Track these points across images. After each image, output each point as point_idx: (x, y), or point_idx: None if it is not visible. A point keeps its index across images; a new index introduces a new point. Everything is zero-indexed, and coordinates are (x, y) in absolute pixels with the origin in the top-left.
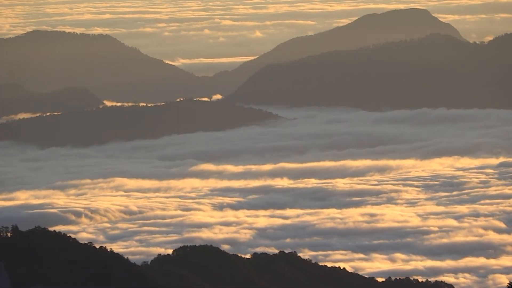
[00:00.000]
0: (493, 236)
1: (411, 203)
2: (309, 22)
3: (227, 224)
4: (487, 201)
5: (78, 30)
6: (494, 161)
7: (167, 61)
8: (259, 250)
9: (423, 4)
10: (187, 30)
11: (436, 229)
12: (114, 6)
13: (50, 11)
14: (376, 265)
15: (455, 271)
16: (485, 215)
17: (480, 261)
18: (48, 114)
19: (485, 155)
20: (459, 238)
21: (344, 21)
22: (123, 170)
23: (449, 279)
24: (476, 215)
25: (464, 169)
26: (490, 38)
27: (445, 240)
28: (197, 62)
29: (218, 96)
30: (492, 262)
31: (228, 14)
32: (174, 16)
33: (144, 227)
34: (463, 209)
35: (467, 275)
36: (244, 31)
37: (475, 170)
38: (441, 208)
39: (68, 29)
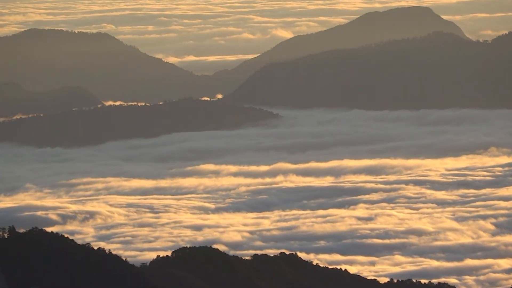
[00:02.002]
0: (498, 237)
1: (413, 203)
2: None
3: (225, 224)
4: (494, 202)
5: (107, 28)
6: (502, 160)
7: (166, 60)
8: (259, 251)
9: (425, 2)
10: (217, 26)
11: (439, 230)
12: (140, 4)
13: (81, 7)
14: (378, 267)
15: (457, 272)
16: (489, 216)
17: (483, 262)
18: (46, 113)
19: (491, 155)
20: (462, 238)
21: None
22: (121, 170)
23: (452, 280)
24: (480, 216)
25: (470, 169)
26: (494, 37)
27: (447, 241)
28: (197, 60)
29: (218, 95)
30: (496, 263)
31: (253, 12)
32: (197, 13)
33: (142, 228)
34: (467, 209)
35: (469, 276)
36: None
37: (480, 170)
38: (444, 209)
39: (97, 29)
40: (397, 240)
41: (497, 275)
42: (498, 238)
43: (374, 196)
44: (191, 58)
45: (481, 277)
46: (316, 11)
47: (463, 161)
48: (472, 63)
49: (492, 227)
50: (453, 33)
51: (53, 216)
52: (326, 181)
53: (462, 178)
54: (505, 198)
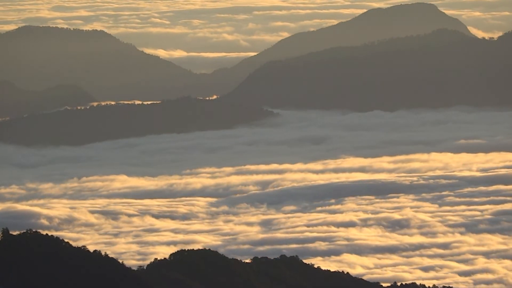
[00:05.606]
0: (501, 238)
1: (414, 203)
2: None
3: (223, 226)
4: (493, 205)
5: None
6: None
7: (164, 58)
8: (259, 254)
9: None
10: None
11: (443, 231)
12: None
13: (78, 4)
14: (380, 269)
15: (460, 274)
16: (493, 218)
17: (486, 263)
18: (40, 112)
19: (492, 154)
20: (466, 239)
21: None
22: (117, 170)
23: (453, 279)
24: (484, 219)
25: (472, 169)
26: (500, 34)
27: (451, 242)
28: (195, 58)
29: (217, 94)
30: (500, 264)
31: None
32: (197, 9)
33: (139, 230)
34: (470, 210)
35: (473, 277)
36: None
37: (482, 170)
38: (448, 208)
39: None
40: (398, 241)
41: (501, 276)
42: (502, 239)
43: (374, 196)
44: (190, 56)
45: (484, 278)
46: (318, 8)
47: (466, 161)
48: (477, 61)
49: (498, 229)
50: (458, 30)
51: (47, 217)
52: (327, 181)
53: (465, 178)
54: (505, 202)
